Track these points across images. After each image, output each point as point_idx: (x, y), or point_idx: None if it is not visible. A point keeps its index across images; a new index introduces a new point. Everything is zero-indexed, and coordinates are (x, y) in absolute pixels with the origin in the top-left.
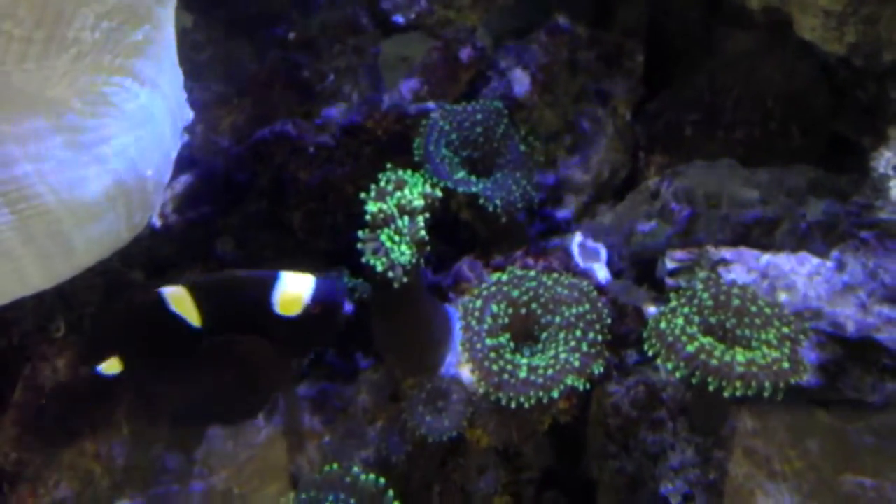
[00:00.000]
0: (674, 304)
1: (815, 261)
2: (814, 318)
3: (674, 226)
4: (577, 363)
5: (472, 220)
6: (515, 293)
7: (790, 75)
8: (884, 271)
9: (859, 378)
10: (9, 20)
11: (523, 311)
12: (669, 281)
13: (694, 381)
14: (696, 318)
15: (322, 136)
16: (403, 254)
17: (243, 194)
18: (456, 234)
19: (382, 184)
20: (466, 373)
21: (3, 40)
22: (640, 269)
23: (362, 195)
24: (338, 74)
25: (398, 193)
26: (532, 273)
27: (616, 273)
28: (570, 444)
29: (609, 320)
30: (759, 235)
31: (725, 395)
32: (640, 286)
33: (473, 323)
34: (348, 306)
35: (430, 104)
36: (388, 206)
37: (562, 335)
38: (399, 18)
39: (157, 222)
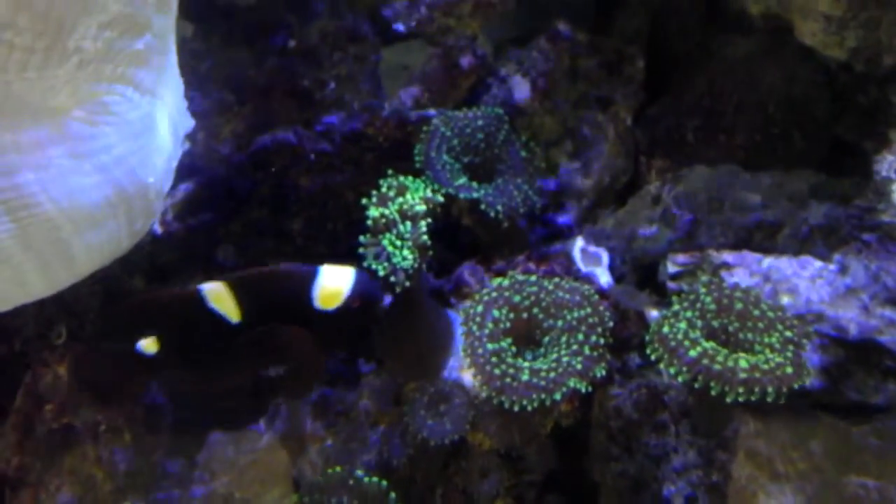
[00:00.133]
0: (676, 307)
1: (818, 264)
2: (816, 321)
3: (675, 230)
4: (579, 366)
5: (474, 225)
6: (517, 298)
7: (791, 80)
8: (886, 274)
9: (862, 380)
10: (10, 29)
11: (525, 315)
12: (671, 285)
13: (697, 385)
14: (699, 323)
15: (322, 143)
16: (405, 258)
17: (244, 201)
18: (457, 239)
19: (384, 189)
20: (468, 377)
21: (4, 49)
22: (641, 273)
23: (364, 201)
24: (338, 82)
25: (400, 199)
26: (533, 278)
27: (618, 277)
28: (573, 447)
29: (611, 324)
30: (762, 239)
31: (728, 400)
32: (642, 290)
33: (475, 328)
34: (386, 298)
35: (431, 111)
36: (390, 211)
37: (564, 339)
38: (399, 26)
39: (159, 229)
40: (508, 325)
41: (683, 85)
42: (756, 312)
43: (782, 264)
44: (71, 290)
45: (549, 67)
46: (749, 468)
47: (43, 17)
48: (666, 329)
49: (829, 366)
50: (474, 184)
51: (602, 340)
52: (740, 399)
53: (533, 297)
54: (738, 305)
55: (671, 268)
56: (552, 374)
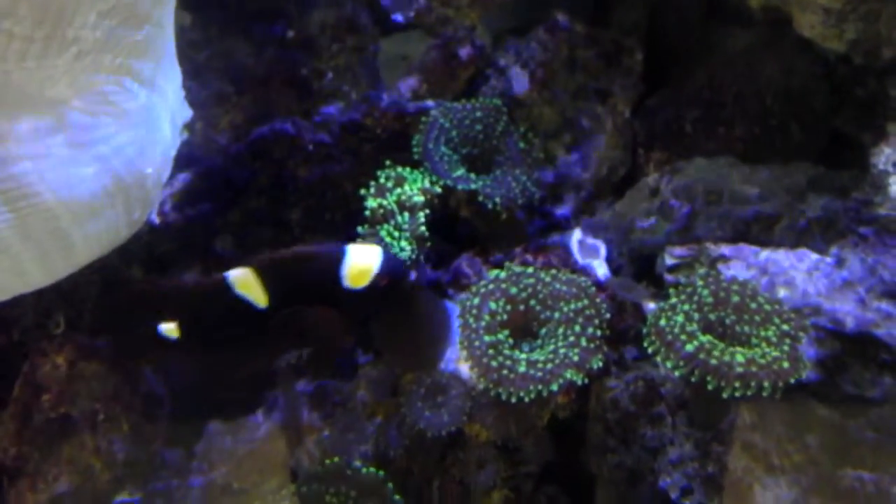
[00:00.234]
0: (673, 300)
1: (815, 257)
2: (813, 314)
3: (673, 222)
4: (575, 358)
5: (472, 216)
6: (513, 290)
7: (790, 72)
8: (883, 267)
9: (858, 373)
10: (10, 18)
11: (522, 307)
12: (669, 277)
13: (693, 380)
14: (696, 316)
15: (321, 133)
16: (403, 249)
17: (242, 192)
18: (455, 230)
19: (382, 180)
20: (466, 368)
21: (3, 39)
22: (639, 265)
23: (362, 191)
24: (337, 73)
25: (398, 190)
26: (530, 270)
27: (615, 269)
28: (570, 439)
29: (608, 315)
30: (759, 232)
31: (725, 395)
32: (640, 282)
33: (471, 320)
34: (412, 275)
35: (429, 102)
36: (388, 202)
37: (560, 331)
38: (398, 17)
39: (157, 220)
40: (505, 317)
41: (682, 77)
42: (753, 305)
43: (779, 257)
44: (69, 280)
45: (547, 58)
46: (745, 460)
47: (42, 7)
48: (663, 322)
49: (825, 359)
50: (472, 175)
51: (599, 332)
52: (737, 394)
53: (530, 289)
54: (735, 298)
55: (668, 260)
56: (549, 366)
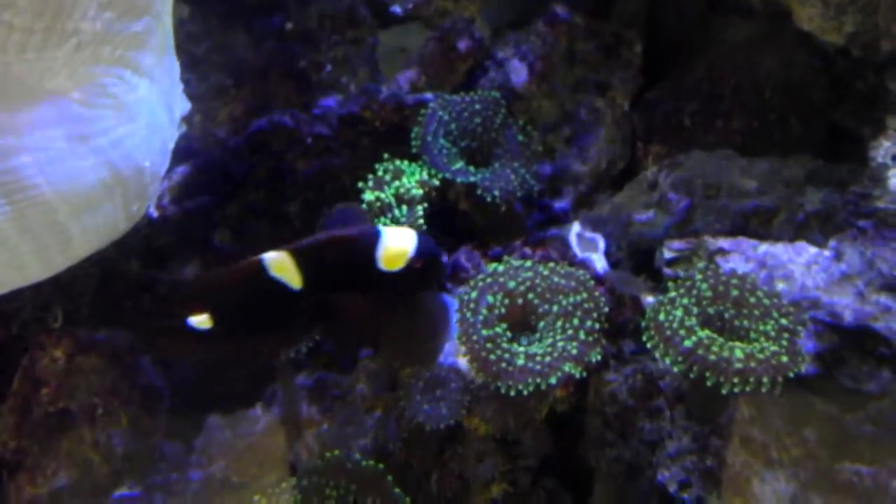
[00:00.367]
0: (672, 294)
1: (813, 250)
2: (811, 307)
3: (672, 216)
4: (574, 351)
5: (471, 210)
6: (511, 284)
7: (789, 65)
8: (881, 260)
9: (856, 367)
10: (10, 10)
11: (520, 301)
12: (667, 270)
13: (692, 375)
14: (695, 310)
15: (319, 126)
16: None
17: (241, 184)
18: (454, 223)
19: (380, 173)
20: (464, 362)
21: (3, 30)
22: (637, 258)
23: (360, 184)
24: (335, 65)
25: (396, 183)
26: (528, 263)
27: (614, 263)
28: (568, 433)
29: (606, 309)
30: (757, 225)
31: (724, 391)
32: (638, 276)
33: (469, 314)
34: (444, 257)
35: (428, 95)
36: (386, 195)
37: (559, 324)
38: (397, 9)
39: (155, 213)
40: (503, 310)
41: (681, 69)
42: (752, 299)
43: (778, 250)
44: (67, 274)
45: (546, 51)
46: (743, 454)
47: None
48: (662, 316)
49: (823, 352)
50: (471, 168)
51: (597, 326)
52: (735, 390)
53: (528, 283)
54: (734, 292)
55: (667, 253)
56: (547, 359)
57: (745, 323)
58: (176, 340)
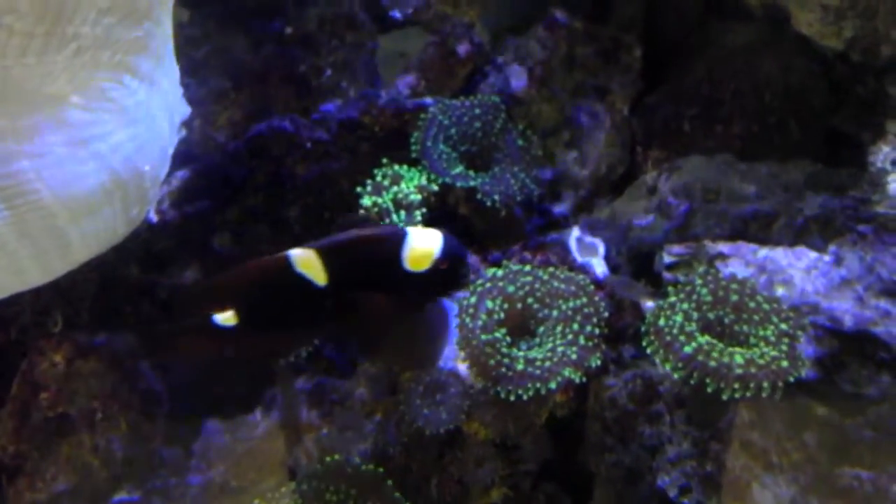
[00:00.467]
0: (672, 299)
1: (813, 255)
2: (811, 312)
3: (671, 220)
4: (574, 356)
5: (470, 214)
6: (511, 288)
7: (788, 70)
8: (881, 265)
9: (856, 372)
10: (10, 14)
11: (519, 305)
12: (667, 275)
13: (692, 382)
14: (695, 315)
15: (319, 131)
16: None
17: (240, 189)
18: (454, 228)
19: (379, 179)
20: (464, 366)
21: (3, 34)
22: (637, 263)
23: (358, 189)
24: (335, 69)
25: (394, 188)
26: (527, 268)
27: (614, 267)
28: (568, 438)
29: (606, 314)
30: (757, 230)
31: (724, 397)
32: (638, 280)
33: (468, 320)
34: (471, 259)
35: (428, 99)
36: (383, 200)
37: (559, 329)
38: (397, 14)
39: (154, 217)
40: (502, 315)
41: (681, 74)
42: (752, 304)
43: (778, 255)
44: (67, 278)
45: (546, 56)
46: (743, 459)
47: (43, 3)
48: (661, 322)
49: (823, 357)
50: (471, 172)
51: (597, 331)
52: (736, 395)
53: (527, 288)
54: (734, 297)
55: (667, 258)
56: (547, 364)
57: (745, 328)
58: (201, 339)
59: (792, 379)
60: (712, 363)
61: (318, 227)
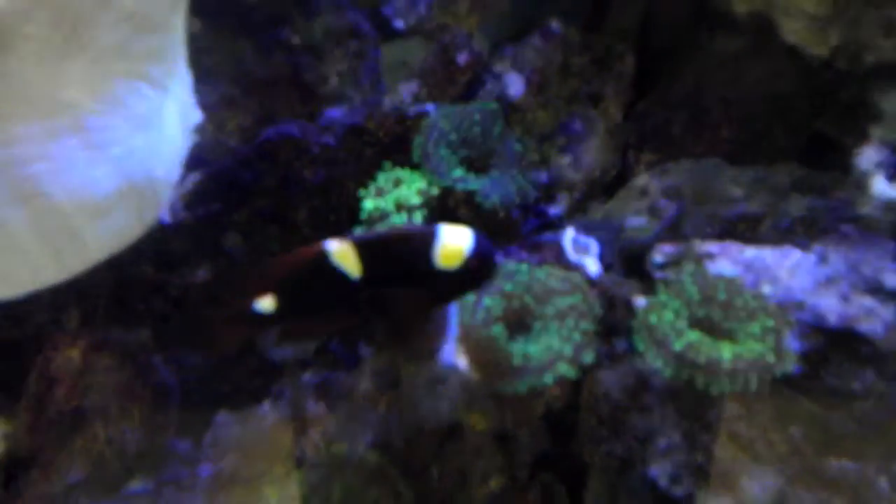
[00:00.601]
0: (662, 297)
1: (799, 254)
2: (797, 309)
3: (662, 221)
4: (568, 352)
5: (470, 216)
6: (508, 286)
7: (774, 77)
8: (865, 264)
9: (841, 367)
10: (28, 22)
11: (516, 302)
12: (658, 273)
13: (683, 378)
14: (684, 312)
15: (325, 136)
16: None
17: (250, 192)
18: None
19: (381, 182)
20: (463, 361)
21: (21, 41)
22: (629, 262)
23: (361, 193)
24: (340, 77)
25: (396, 191)
26: (524, 267)
27: (606, 266)
28: (564, 429)
29: (600, 311)
30: (745, 230)
31: (714, 392)
32: (630, 279)
33: (467, 316)
34: (500, 257)
35: (429, 106)
36: (385, 203)
37: (554, 325)
38: (399, 23)
39: (168, 219)
40: (500, 312)
41: (671, 81)
42: (739, 302)
43: (764, 254)
44: (82, 277)
45: (542, 64)
46: (731, 450)
47: (61, 11)
48: (652, 319)
49: (809, 352)
50: (471, 176)
51: (591, 327)
52: (725, 389)
53: (524, 285)
54: (722, 295)
55: (658, 257)
56: (543, 359)
57: (733, 325)
58: (241, 323)
59: (778, 373)
60: (702, 359)
61: (325, 228)
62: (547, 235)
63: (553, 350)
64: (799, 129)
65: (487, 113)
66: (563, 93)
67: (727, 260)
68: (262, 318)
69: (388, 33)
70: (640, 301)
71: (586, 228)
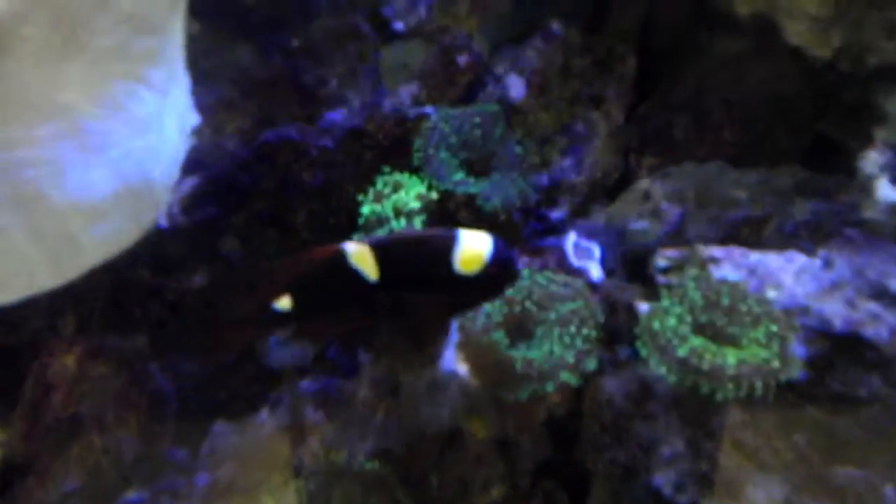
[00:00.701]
0: (665, 302)
1: (803, 259)
2: (802, 314)
3: (665, 225)
4: (570, 359)
5: (470, 219)
6: (509, 291)
7: (777, 78)
8: (870, 268)
9: (846, 373)
10: (26, 24)
11: (517, 308)
12: (660, 278)
13: (687, 384)
14: (687, 318)
15: (324, 139)
16: None
17: (248, 195)
18: None
19: (379, 187)
20: (463, 367)
21: (19, 43)
22: (632, 267)
23: (360, 197)
24: (339, 79)
25: (394, 196)
26: (526, 272)
27: (609, 271)
28: (566, 436)
29: (602, 317)
30: (748, 234)
31: (718, 397)
32: (633, 283)
33: (468, 321)
34: (520, 263)
35: (429, 108)
36: (383, 208)
37: (556, 331)
38: (399, 25)
39: (165, 222)
40: (501, 318)
41: (673, 83)
42: (743, 307)
43: (768, 259)
44: (78, 281)
45: (543, 66)
46: (736, 458)
47: (59, 13)
48: (655, 325)
49: (814, 358)
50: (471, 179)
51: (593, 333)
52: (729, 396)
53: (525, 291)
54: (725, 300)
55: (660, 262)
56: (545, 366)
57: (737, 330)
58: (255, 324)
59: (783, 379)
60: (705, 365)
61: (324, 232)
62: (548, 240)
63: (555, 357)
64: (802, 131)
65: (488, 115)
66: (565, 95)
67: (731, 264)
68: (278, 317)
69: (387, 35)
70: (642, 306)
71: (588, 232)
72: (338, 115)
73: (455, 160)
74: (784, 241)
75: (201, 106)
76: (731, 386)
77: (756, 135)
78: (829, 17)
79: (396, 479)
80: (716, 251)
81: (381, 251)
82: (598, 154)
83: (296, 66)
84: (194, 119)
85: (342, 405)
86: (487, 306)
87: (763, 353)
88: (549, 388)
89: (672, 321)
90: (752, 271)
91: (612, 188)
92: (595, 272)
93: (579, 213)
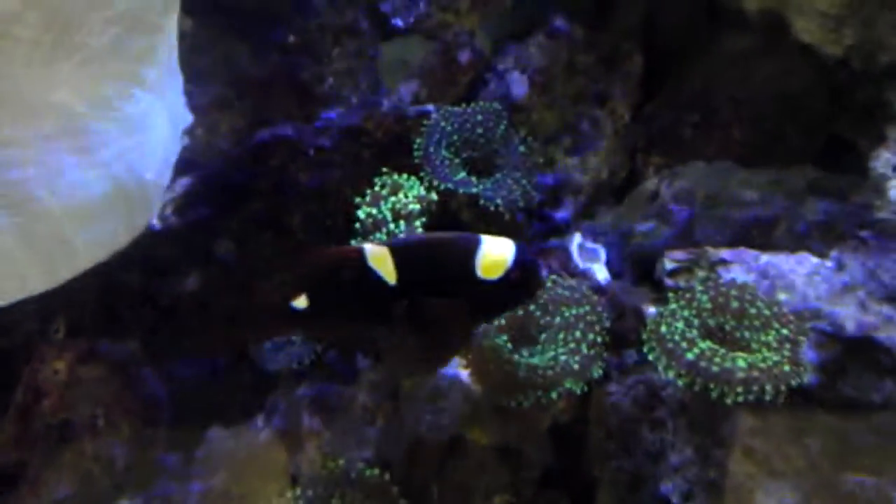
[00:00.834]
0: (673, 306)
1: (815, 260)
2: (813, 317)
3: (673, 226)
4: (576, 366)
5: (472, 220)
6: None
7: (787, 76)
8: (883, 271)
9: (859, 377)
10: (18, 23)
11: (521, 312)
12: (668, 281)
13: (696, 388)
14: (696, 321)
15: (321, 138)
16: None
17: (243, 196)
18: None
19: (378, 188)
20: (466, 373)
21: (11, 43)
22: (639, 269)
23: (357, 200)
24: (337, 77)
25: (393, 198)
26: None
27: (615, 273)
28: (571, 443)
29: (608, 322)
30: (758, 236)
31: (728, 401)
32: (640, 286)
33: None
34: (544, 271)
35: (429, 106)
36: (379, 211)
37: (561, 336)
38: (398, 22)
39: (158, 224)
40: (504, 321)
41: (680, 81)
42: (753, 310)
43: (779, 261)
44: (70, 285)
45: (546, 63)
46: (746, 465)
47: (50, 13)
48: (663, 329)
49: (825, 362)
50: (473, 178)
51: (599, 338)
52: (739, 399)
53: None
54: (735, 303)
55: (668, 264)
56: (549, 373)
57: (747, 334)
58: (279, 321)
59: (794, 384)
60: (715, 369)
61: (321, 234)
62: (553, 241)
63: (559, 363)
64: (814, 129)
65: (490, 113)
66: (569, 92)
67: (740, 266)
68: (294, 316)
69: (387, 32)
70: (650, 310)
71: (594, 234)
72: (335, 114)
73: (457, 159)
74: (795, 242)
75: (195, 105)
76: (740, 391)
77: (765, 134)
78: (841, 15)
79: (396, 487)
80: (725, 253)
81: (401, 254)
82: (603, 153)
83: (292, 64)
84: (187, 118)
85: (340, 411)
86: None
87: (773, 358)
88: (554, 395)
89: (680, 325)
90: (762, 273)
91: (618, 188)
92: (601, 274)
93: (584, 213)
